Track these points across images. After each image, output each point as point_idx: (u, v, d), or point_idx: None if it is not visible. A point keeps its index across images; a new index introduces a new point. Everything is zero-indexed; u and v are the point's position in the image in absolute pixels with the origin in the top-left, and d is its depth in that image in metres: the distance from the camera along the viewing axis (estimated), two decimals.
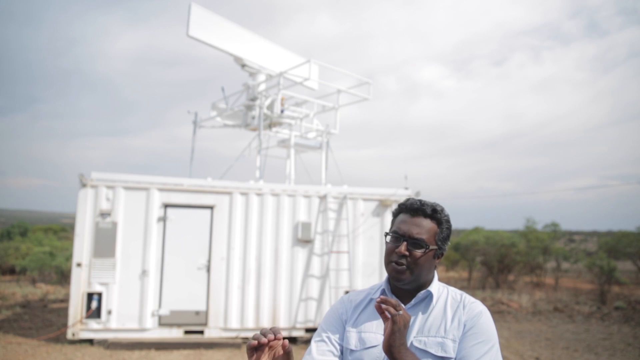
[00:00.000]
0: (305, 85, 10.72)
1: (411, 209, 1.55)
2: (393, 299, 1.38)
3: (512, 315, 11.45)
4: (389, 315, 1.35)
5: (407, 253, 1.49)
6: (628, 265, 19.48)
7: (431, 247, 1.51)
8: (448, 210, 1.59)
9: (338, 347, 1.56)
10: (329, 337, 1.57)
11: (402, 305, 1.40)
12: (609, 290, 14.47)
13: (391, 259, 1.52)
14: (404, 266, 1.50)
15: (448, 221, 1.57)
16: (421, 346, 1.46)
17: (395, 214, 1.60)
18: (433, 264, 1.55)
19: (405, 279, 1.51)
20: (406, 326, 1.36)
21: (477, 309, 1.50)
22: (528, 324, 10.48)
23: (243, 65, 10.42)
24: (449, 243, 1.59)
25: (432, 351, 1.45)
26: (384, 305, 1.35)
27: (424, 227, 1.52)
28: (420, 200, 1.56)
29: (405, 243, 1.50)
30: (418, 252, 1.50)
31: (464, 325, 1.47)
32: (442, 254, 1.57)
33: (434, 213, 1.53)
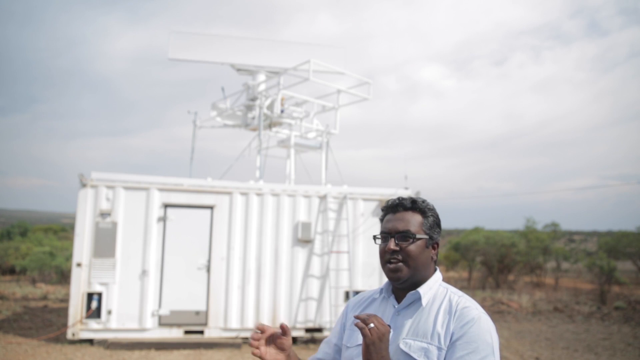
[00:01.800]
0: (330, 74, 10.53)
1: (392, 206, 1.56)
2: (363, 314, 1.39)
3: (512, 315, 11.45)
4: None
5: (397, 248, 1.49)
6: (628, 265, 19.49)
7: (419, 236, 1.50)
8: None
9: (334, 348, 1.68)
10: (329, 340, 1.71)
11: (378, 317, 1.37)
12: (609, 290, 14.48)
13: (385, 259, 1.52)
14: (399, 262, 1.49)
15: (432, 209, 1.57)
16: (406, 349, 1.42)
17: (381, 218, 1.61)
18: (429, 255, 1.53)
19: (403, 276, 1.49)
20: (382, 339, 1.34)
21: (468, 316, 1.40)
22: (528, 324, 10.49)
23: (238, 70, 10.55)
24: (440, 231, 1.58)
25: (415, 356, 1.40)
26: (356, 322, 1.37)
27: (408, 220, 1.52)
28: (399, 197, 1.57)
29: (393, 239, 1.50)
30: (407, 244, 1.49)
31: (452, 334, 1.39)
32: (436, 243, 1.56)
33: (414, 204, 1.54)
